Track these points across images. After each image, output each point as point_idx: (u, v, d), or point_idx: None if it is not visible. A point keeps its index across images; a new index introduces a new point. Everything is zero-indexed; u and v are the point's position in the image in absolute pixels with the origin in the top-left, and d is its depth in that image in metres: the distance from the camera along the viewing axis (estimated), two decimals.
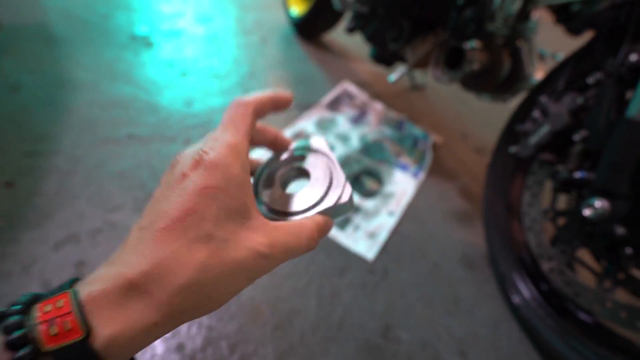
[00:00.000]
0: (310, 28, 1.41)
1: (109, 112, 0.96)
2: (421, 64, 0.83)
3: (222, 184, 0.17)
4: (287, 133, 0.94)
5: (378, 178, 0.86)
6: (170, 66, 1.19)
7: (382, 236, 0.74)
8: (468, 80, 0.80)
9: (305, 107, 1.06)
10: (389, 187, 0.85)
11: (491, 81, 0.74)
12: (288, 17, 1.52)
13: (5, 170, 0.76)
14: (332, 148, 0.91)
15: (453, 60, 0.76)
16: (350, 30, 0.92)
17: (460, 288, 0.74)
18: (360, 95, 1.14)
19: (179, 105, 1.01)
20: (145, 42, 1.33)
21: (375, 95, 1.17)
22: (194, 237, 0.16)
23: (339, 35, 1.53)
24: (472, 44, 0.71)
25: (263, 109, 0.22)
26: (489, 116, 1.28)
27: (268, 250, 0.17)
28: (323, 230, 0.20)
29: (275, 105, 0.23)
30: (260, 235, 0.17)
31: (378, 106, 1.11)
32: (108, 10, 1.53)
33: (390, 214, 0.79)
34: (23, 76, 1.05)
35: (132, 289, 0.15)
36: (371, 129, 1.01)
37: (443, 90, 1.33)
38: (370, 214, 0.78)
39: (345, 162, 0.89)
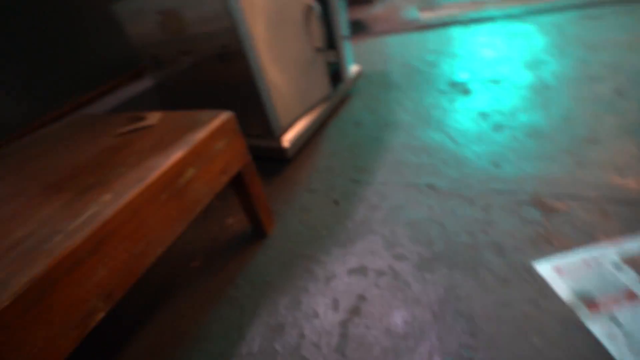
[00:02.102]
0: None
1: (416, 156, 1.03)
2: None
3: None
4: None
5: None
6: (484, 117, 1.14)
7: None
8: None
9: None
10: None
11: None
12: None
13: (337, 189, 0.98)
14: None
15: None
16: None
17: None
18: None
19: (485, 164, 0.93)
20: (463, 89, 1.34)
21: None
22: None
23: None
24: None
25: None
26: None
27: None
28: None
29: None
30: None
31: None
32: (436, 58, 1.68)
33: None
34: (364, 114, 1.33)
35: None
36: None
37: None
38: None
39: None
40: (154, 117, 0.74)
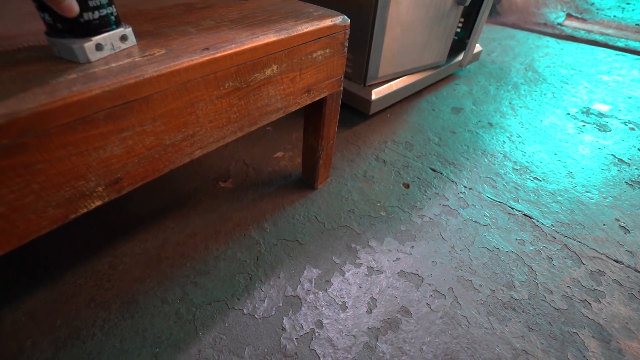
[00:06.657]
0: None
1: (518, 175, 0.82)
2: None
3: None
4: None
5: None
6: (619, 165, 0.88)
7: None
8: None
9: None
10: None
11: None
12: None
13: (411, 172, 0.80)
14: None
15: None
16: None
17: None
18: None
19: (609, 221, 0.71)
20: (599, 123, 1.06)
21: None
22: None
23: None
24: None
25: None
26: None
27: None
28: None
29: None
30: None
31: None
32: (571, 75, 1.37)
33: None
34: (467, 103, 1.10)
35: None
36: None
37: None
38: None
39: None
40: None
